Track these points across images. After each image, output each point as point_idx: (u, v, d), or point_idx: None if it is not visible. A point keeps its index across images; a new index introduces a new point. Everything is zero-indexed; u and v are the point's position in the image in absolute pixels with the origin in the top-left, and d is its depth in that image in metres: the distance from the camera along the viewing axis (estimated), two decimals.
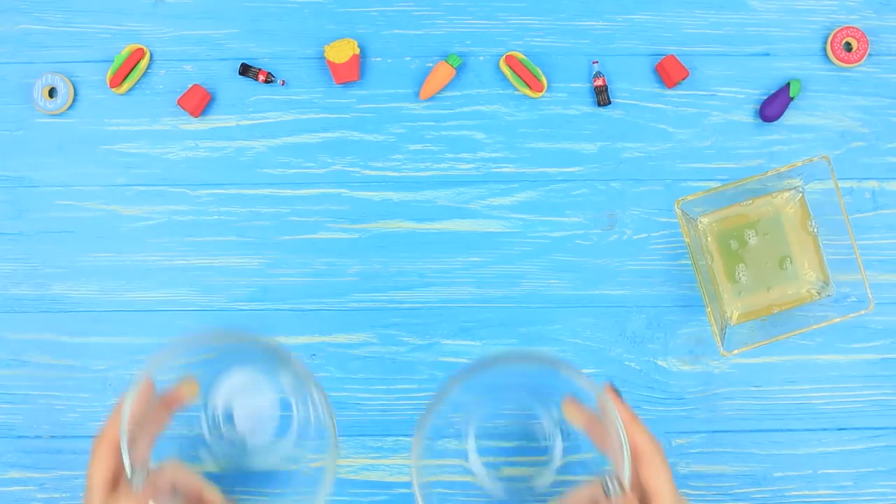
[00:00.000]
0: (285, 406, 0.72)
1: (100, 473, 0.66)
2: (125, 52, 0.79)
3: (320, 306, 0.78)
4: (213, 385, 0.72)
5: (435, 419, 0.65)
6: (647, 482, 0.64)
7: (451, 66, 0.78)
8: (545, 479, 0.71)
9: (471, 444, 0.72)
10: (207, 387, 0.71)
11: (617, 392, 0.65)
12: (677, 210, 0.73)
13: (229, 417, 0.72)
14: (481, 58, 0.80)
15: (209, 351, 0.71)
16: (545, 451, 0.72)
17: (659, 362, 0.78)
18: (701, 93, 0.80)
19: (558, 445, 0.71)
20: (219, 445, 0.72)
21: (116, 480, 0.66)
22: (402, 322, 0.78)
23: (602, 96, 0.79)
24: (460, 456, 0.72)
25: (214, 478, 0.70)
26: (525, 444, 0.74)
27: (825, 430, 0.78)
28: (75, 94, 0.79)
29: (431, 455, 0.66)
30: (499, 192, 0.79)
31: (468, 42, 0.80)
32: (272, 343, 0.66)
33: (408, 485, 0.78)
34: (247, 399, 0.72)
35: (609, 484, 0.62)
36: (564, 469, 0.71)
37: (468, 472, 0.72)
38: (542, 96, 0.79)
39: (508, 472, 0.73)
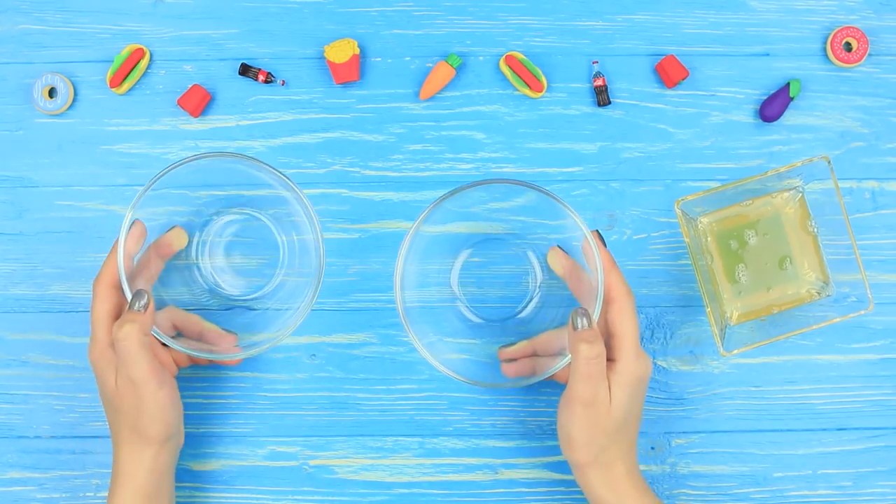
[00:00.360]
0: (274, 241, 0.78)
1: (102, 309, 0.69)
2: (125, 52, 0.79)
3: (320, 306, 0.78)
4: (201, 230, 0.77)
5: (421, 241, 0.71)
6: (614, 324, 0.69)
7: (451, 66, 0.78)
8: (525, 313, 0.77)
9: (454, 276, 0.77)
10: (195, 232, 0.76)
11: (602, 239, 0.70)
12: (677, 210, 0.73)
13: (219, 257, 0.78)
14: (481, 58, 0.80)
15: (194, 187, 0.75)
16: (527, 291, 0.78)
17: (659, 362, 0.78)
18: (701, 93, 0.80)
19: (538, 286, 0.77)
20: (211, 284, 0.77)
21: (119, 315, 0.69)
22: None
23: (602, 96, 0.79)
24: (445, 289, 0.77)
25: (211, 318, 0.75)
26: (509, 282, 0.78)
27: (825, 430, 0.78)
28: (75, 94, 0.79)
29: (416, 285, 0.73)
30: (499, 193, 0.78)
31: (468, 42, 0.80)
32: (257, 161, 0.69)
33: (408, 485, 0.78)
34: (235, 235, 0.78)
35: (577, 318, 0.67)
36: (542, 307, 0.77)
37: (453, 298, 0.78)
38: (542, 96, 0.79)
39: (490, 304, 0.78)
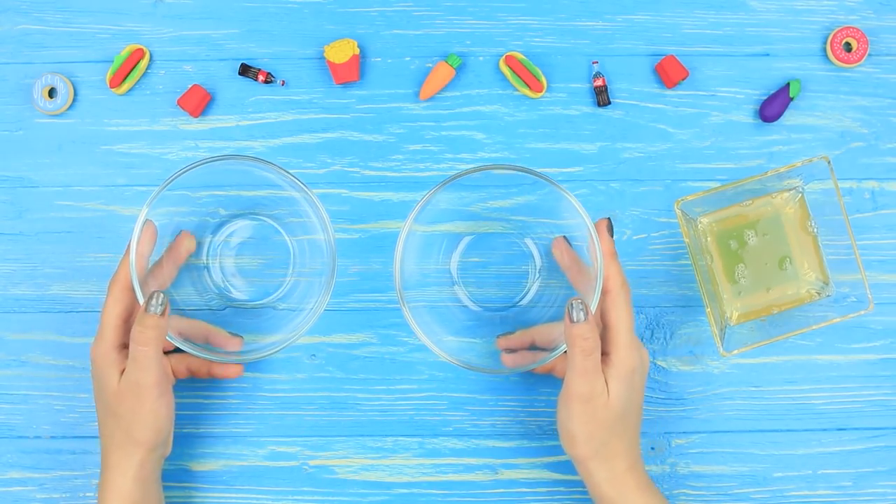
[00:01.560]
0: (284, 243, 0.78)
1: (114, 310, 0.70)
2: (125, 52, 0.79)
3: None
4: (213, 233, 0.77)
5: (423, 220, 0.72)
6: (608, 315, 0.68)
7: (451, 66, 0.78)
8: (526, 300, 0.77)
9: (454, 263, 0.78)
10: (206, 235, 0.77)
11: (611, 229, 0.69)
12: (677, 210, 0.73)
13: (229, 260, 0.78)
14: (481, 58, 0.80)
15: (201, 187, 0.75)
16: (527, 278, 0.78)
17: (659, 362, 0.78)
18: (701, 93, 0.80)
19: (538, 272, 0.77)
20: (221, 288, 0.77)
21: (130, 318, 0.70)
22: (402, 322, 0.78)
23: (602, 96, 0.79)
24: (444, 276, 0.77)
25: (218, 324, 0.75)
26: (509, 272, 0.78)
27: (825, 430, 0.78)
28: (75, 94, 0.79)
29: (416, 277, 0.73)
30: (498, 194, 0.79)
31: (468, 42, 0.80)
32: (268, 162, 0.70)
33: (408, 485, 0.78)
34: (246, 241, 0.78)
35: (574, 310, 0.66)
36: (542, 295, 0.78)
37: (452, 285, 0.78)
38: (542, 96, 0.79)
39: (490, 293, 0.78)
